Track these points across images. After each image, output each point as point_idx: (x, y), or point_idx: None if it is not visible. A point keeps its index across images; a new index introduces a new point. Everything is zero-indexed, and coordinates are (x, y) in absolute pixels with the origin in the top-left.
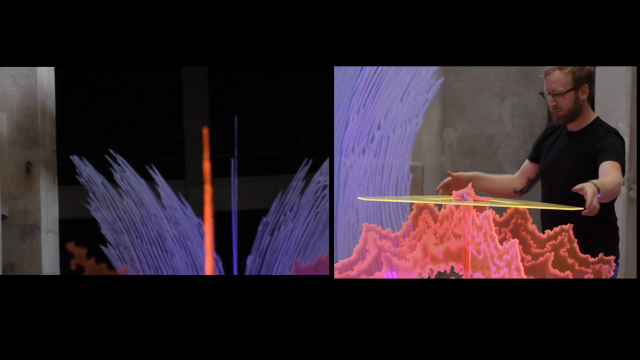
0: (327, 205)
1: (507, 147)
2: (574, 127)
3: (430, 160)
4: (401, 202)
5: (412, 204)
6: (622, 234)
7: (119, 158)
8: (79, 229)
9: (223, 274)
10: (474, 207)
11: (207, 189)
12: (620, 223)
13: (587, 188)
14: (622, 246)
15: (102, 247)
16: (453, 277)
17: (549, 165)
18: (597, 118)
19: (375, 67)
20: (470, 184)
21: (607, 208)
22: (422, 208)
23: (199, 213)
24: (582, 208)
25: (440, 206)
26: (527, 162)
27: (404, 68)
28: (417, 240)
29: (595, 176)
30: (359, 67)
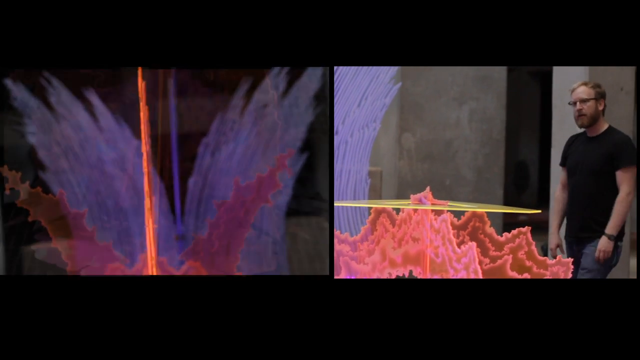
0: (269, 123)
1: (466, 151)
2: (592, 133)
3: (389, 165)
4: (359, 207)
5: (370, 208)
6: None
7: (55, 80)
8: (16, 155)
9: (164, 195)
10: (432, 210)
11: (142, 107)
12: None
13: (602, 249)
14: None
15: (40, 172)
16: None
17: (574, 162)
18: (610, 126)
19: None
20: (428, 188)
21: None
22: (380, 212)
23: (138, 135)
24: (539, 211)
25: (398, 210)
26: (561, 169)
27: (361, 72)
28: (375, 245)
29: (612, 167)
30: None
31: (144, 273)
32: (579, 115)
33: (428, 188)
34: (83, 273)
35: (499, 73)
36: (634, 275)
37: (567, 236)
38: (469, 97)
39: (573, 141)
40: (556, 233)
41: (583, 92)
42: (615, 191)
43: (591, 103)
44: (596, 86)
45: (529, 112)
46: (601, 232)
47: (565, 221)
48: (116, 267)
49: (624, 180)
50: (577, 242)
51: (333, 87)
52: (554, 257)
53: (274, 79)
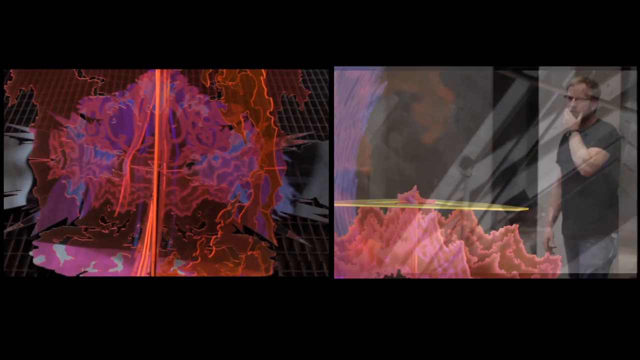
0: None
1: (453, 150)
2: (582, 127)
3: (376, 164)
4: (347, 207)
5: (357, 207)
6: None
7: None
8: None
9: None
10: (420, 209)
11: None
12: None
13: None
14: None
15: (39, 179)
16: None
17: (565, 157)
18: (599, 119)
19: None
20: (415, 187)
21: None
22: (367, 212)
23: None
24: (527, 209)
25: (385, 209)
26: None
27: (347, 72)
28: (363, 244)
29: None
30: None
31: (143, 274)
32: (572, 111)
33: (415, 187)
34: (83, 276)
35: (486, 71)
36: (623, 270)
37: (564, 230)
38: (455, 96)
39: (566, 137)
40: (548, 227)
41: (582, 90)
42: (605, 184)
43: (586, 103)
44: (594, 86)
45: (516, 110)
46: (594, 226)
47: (560, 216)
48: (114, 271)
49: (589, 152)
50: (573, 236)
51: (333, 89)
52: (548, 250)
53: None
